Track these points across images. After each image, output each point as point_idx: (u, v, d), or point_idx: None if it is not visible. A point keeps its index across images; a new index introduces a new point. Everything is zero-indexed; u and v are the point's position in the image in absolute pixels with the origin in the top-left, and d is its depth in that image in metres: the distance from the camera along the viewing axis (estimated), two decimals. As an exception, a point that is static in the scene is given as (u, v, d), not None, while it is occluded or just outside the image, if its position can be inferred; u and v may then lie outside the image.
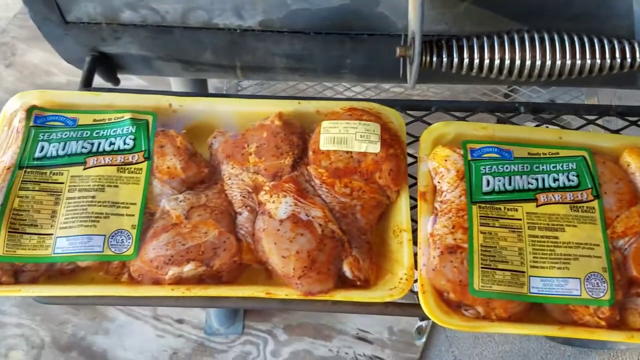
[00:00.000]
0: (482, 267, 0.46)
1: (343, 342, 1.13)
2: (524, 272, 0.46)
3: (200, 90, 0.87)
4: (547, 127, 0.58)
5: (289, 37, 0.59)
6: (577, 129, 0.57)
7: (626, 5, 0.53)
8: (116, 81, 0.66)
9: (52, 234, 0.46)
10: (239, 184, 0.51)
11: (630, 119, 0.58)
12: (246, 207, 0.50)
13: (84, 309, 1.17)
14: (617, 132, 0.58)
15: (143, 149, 0.51)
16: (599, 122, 0.58)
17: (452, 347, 1.13)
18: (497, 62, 0.48)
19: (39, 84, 1.38)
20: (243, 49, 0.61)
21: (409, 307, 0.48)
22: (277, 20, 0.57)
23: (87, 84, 0.59)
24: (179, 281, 0.47)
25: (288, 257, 0.46)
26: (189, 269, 0.46)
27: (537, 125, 0.60)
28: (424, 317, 0.47)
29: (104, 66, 0.62)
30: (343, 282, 0.48)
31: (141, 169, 0.50)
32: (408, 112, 0.59)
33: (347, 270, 0.47)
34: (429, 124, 0.57)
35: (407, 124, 0.58)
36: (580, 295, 0.45)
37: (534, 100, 1.25)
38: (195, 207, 0.49)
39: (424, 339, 1.10)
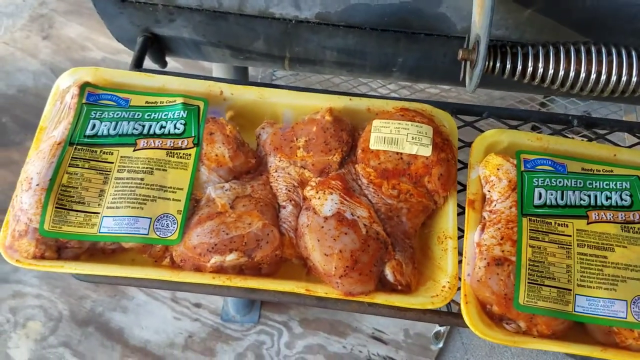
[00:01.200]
0: (528, 282, 0.45)
1: (358, 340, 1.13)
2: (570, 290, 0.45)
3: (241, 78, 0.87)
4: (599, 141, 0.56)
5: (344, 31, 0.58)
6: (630, 147, 0.56)
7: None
8: (164, 64, 0.66)
9: (98, 213, 0.46)
10: (285, 178, 0.50)
11: (687, 141, 0.57)
12: (291, 201, 0.50)
13: (104, 285, 1.18)
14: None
15: (193, 135, 0.50)
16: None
17: (467, 354, 1.12)
18: (561, 73, 0.47)
19: (74, 58, 1.39)
20: (295, 40, 0.60)
21: (448, 315, 0.47)
22: (334, 14, 0.56)
23: (138, 65, 0.59)
24: (219, 270, 0.46)
25: (330, 255, 0.46)
26: (231, 258, 0.46)
27: (588, 140, 0.58)
28: (465, 327, 0.46)
29: (154, 48, 0.62)
30: (383, 285, 0.48)
31: (190, 154, 0.50)
32: (459, 116, 0.58)
33: (389, 273, 0.47)
34: (479, 130, 0.57)
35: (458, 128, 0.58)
36: (625, 318, 0.44)
37: (570, 112, 1.23)
38: (241, 197, 0.49)
39: (440, 344, 1.09)
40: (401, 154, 0.50)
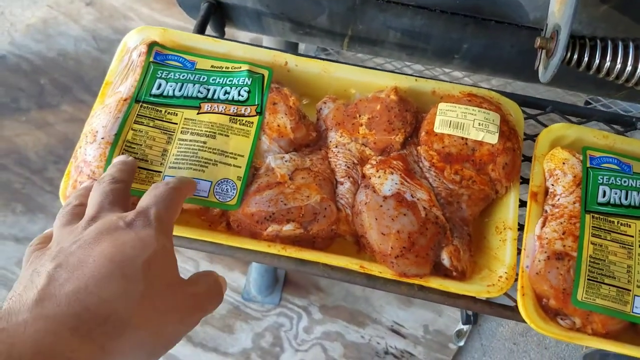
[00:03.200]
0: (588, 279, 0.44)
1: (376, 331, 1.13)
2: (629, 290, 0.44)
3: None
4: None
5: (412, 11, 0.57)
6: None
7: None
8: (223, 33, 0.66)
9: (161, 172, 0.46)
10: (345, 154, 0.50)
11: None
12: (349, 177, 0.49)
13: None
14: None
15: (256, 103, 0.50)
16: None
17: (485, 356, 1.11)
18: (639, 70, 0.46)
19: (116, 27, 1.40)
20: (361, 18, 0.59)
21: (500, 307, 0.47)
22: (399, -7, 0.55)
23: (200, 31, 0.59)
24: (274, 239, 0.46)
25: (388, 234, 0.45)
26: (288, 228, 0.46)
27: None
28: (465, 317, 0.45)
29: (216, 15, 0.62)
30: (437, 270, 0.47)
31: (252, 122, 0.49)
32: (522, 107, 0.57)
33: (445, 258, 0.46)
34: (542, 124, 0.55)
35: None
36: (689, 326, 0.43)
37: (610, 109, 1.20)
38: (300, 170, 0.48)
39: (462, 343, 1.08)
40: (466, 139, 0.49)
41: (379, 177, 0.48)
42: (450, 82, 0.54)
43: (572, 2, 0.43)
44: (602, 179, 0.48)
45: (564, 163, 0.49)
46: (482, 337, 1.13)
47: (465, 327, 1.05)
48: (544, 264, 0.45)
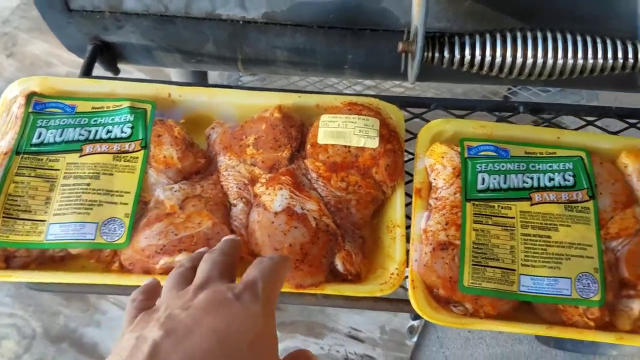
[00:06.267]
0: (473, 264, 0.46)
1: (335, 340, 1.13)
2: (514, 270, 0.46)
3: (201, 81, 0.87)
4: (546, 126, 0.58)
5: (291, 30, 0.59)
6: (577, 129, 0.57)
7: (629, 7, 0.53)
8: (116, 71, 0.66)
9: (45, 221, 0.46)
10: (235, 176, 0.51)
11: (630, 121, 0.58)
12: (241, 198, 0.50)
13: (75, 300, 1.17)
14: (616, 134, 0.58)
15: (140, 138, 0.51)
16: (599, 124, 0.58)
17: (442, 347, 1.13)
18: (498, 59, 0.48)
19: (39, 74, 1.38)
20: (245, 41, 0.61)
21: (398, 302, 0.48)
22: (280, 13, 0.57)
23: (87, 73, 0.59)
24: (169, 271, 0.46)
25: (281, 249, 0.46)
26: (180, 258, 0.46)
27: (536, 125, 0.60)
28: (413, 314, 0.47)
29: (105, 55, 0.62)
30: (334, 276, 0.48)
31: (137, 157, 0.50)
32: (408, 109, 0.59)
33: (339, 264, 0.47)
34: (428, 122, 0.58)
35: (406, 120, 0.59)
36: (570, 295, 0.45)
37: (533, 98, 1.26)
38: (190, 198, 0.49)
39: (415, 339, 1.10)
40: (349, 147, 0.51)
41: (269, 194, 0.49)
42: (333, 93, 0.56)
43: (423, 2, 0.46)
44: (480, 166, 0.50)
45: (442, 157, 0.51)
46: (437, 329, 1.15)
47: (417, 323, 1.07)
48: (430, 256, 0.47)
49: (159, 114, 0.53)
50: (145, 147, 0.50)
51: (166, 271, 0.46)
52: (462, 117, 0.59)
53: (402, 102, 0.59)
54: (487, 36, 0.49)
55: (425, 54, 0.49)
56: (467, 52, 0.48)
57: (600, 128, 0.58)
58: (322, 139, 0.51)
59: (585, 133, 0.54)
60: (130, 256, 0.47)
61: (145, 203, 0.49)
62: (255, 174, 0.51)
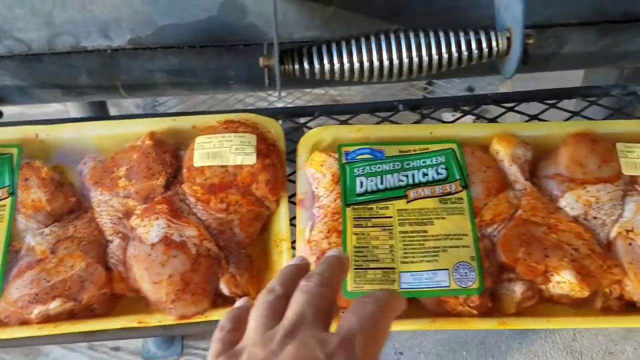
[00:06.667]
0: (355, 269, 0.46)
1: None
2: (394, 268, 0.46)
3: (100, 112, 0.85)
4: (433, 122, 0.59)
5: (162, 52, 0.58)
6: (453, 121, 0.59)
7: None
8: (-2, 114, 0.63)
9: None
10: (109, 211, 0.49)
11: (507, 105, 0.60)
12: (117, 234, 0.49)
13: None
14: (494, 119, 0.59)
15: (7, 185, 0.49)
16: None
17: (392, 341, 1.14)
18: (356, 65, 0.49)
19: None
20: (118, 69, 0.59)
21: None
22: (146, 38, 0.56)
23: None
24: (47, 319, 0.45)
25: (160, 282, 0.45)
26: (55, 306, 0.44)
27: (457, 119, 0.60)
28: None
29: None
30: (224, 299, 0.48)
31: (5, 205, 0.48)
32: (294, 119, 0.59)
33: (224, 287, 0.47)
34: (309, 128, 0.58)
35: (292, 131, 0.59)
36: (449, 286, 0.46)
37: (451, 91, 1.29)
38: (62, 240, 0.47)
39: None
40: (226, 166, 0.50)
41: (145, 225, 0.48)
42: (209, 112, 0.56)
43: (273, 15, 0.46)
44: (358, 170, 0.51)
45: (322, 165, 0.51)
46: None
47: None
48: (314, 266, 0.47)
49: (28, 156, 0.51)
50: (12, 193, 0.48)
51: (43, 320, 0.45)
52: (345, 121, 0.59)
53: (287, 113, 0.59)
54: (343, 44, 0.49)
55: (286, 67, 0.49)
56: (326, 61, 0.49)
57: (481, 117, 0.60)
58: (198, 162, 0.50)
59: (457, 125, 0.55)
60: (4, 309, 0.45)
61: (16, 252, 0.47)
62: (130, 206, 0.50)
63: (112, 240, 0.48)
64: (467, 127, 0.54)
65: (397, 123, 0.58)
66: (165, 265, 0.46)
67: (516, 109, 0.60)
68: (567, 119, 0.59)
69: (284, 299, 0.32)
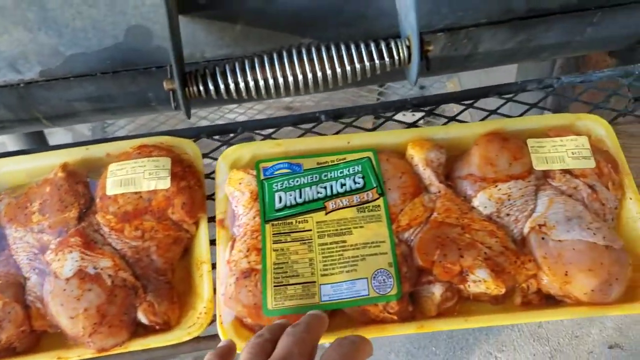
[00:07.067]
0: (274, 286, 0.46)
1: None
2: (314, 282, 0.46)
3: (38, 142, 0.83)
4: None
5: (76, 81, 0.57)
6: (373, 129, 0.59)
7: (392, 4, 0.55)
8: None
9: None
10: (24, 247, 0.49)
11: (425, 109, 0.61)
12: (34, 270, 0.48)
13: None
14: (414, 124, 0.60)
15: None
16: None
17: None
18: (261, 82, 0.49)
19: None
20: (34, 101, 0.58)
21: (208, 340, 0.48)
22: (56, 69, 0.55)
23: None
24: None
25: (76, 316, 0.44)
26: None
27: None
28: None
29: None
30: (145, 329, 0.47)
31: None
32: (215, 137, 0.59)
33: (142, 316, 0.46)
34: (226, 143, 0.58)
35: (215, 149, 0.59)
36: (368, 295, 0.46)
37: (401, 91, 1.30)
38: (-25, 282, 0.46)
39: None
40: (140, 192, 0.50)
41: (59, 260, 0.47)
42: (124, 137, 0.55)
43: (169, 44, 0.46)
44: (276, 186, 0.51)
45: (240, 183, 0.51)
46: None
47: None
48: (235, 286, 0.47)
49: None
50: None
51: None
52: (268, 136, 0.59)
53: (209, 132, 0.59)
54: (247, 62, 0.49)
55: (191, 88, 0.49)
56: (230, 80, 0.49)
57: (399, 122, 0.60)
58: (110, 190, 0.50)
59: (373, 133, 0.56)
60: None
61: None
62: (44, 241, 0.49)
63: (29, 277, 0.47)
64: (382, 135, 0.55)
65: (320, 134, 0.59)
66: (80, 299, 0.45)
67: (435, 111, 0.61)
68: (484, 118, 0.60)
69: (271, 342, 0.36)
